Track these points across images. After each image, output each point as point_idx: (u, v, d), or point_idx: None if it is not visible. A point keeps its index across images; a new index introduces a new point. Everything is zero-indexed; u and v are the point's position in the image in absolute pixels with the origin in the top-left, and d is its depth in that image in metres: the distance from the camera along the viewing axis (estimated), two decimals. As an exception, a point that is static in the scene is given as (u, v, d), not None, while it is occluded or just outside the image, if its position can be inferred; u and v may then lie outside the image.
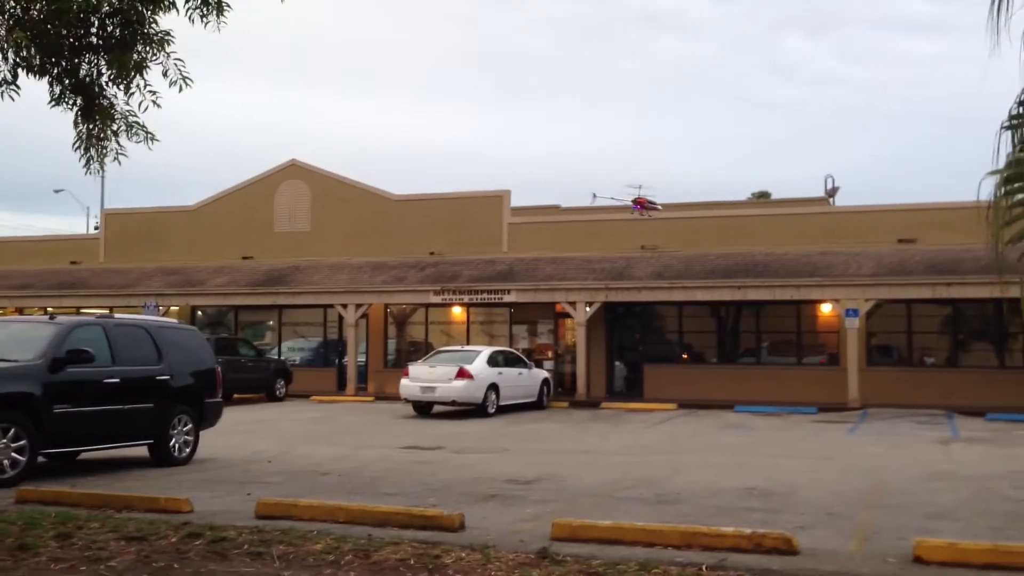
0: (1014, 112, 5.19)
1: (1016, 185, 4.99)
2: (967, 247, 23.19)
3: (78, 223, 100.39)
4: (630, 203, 24.97)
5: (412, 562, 7.14)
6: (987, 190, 5.01)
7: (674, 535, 7.96)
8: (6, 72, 8.50)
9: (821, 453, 15.46)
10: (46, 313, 20.83)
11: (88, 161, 8.89)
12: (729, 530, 7.99)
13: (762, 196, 49.03)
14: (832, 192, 33.22)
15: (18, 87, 8.51)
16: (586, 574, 6.83)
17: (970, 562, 7.28)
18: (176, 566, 7.10)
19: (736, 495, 10.80)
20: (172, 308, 30.88)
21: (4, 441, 11.06)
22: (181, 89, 8.70)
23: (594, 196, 26.83)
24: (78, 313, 27.01)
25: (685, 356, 28.72)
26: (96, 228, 40.50)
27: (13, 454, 11.17)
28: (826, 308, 26.40)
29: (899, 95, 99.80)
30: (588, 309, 26.59)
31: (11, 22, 7.86)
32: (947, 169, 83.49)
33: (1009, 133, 5.18)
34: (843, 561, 7.45)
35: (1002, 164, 5.05)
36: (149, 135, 8.87)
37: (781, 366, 26.99)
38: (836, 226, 27.17)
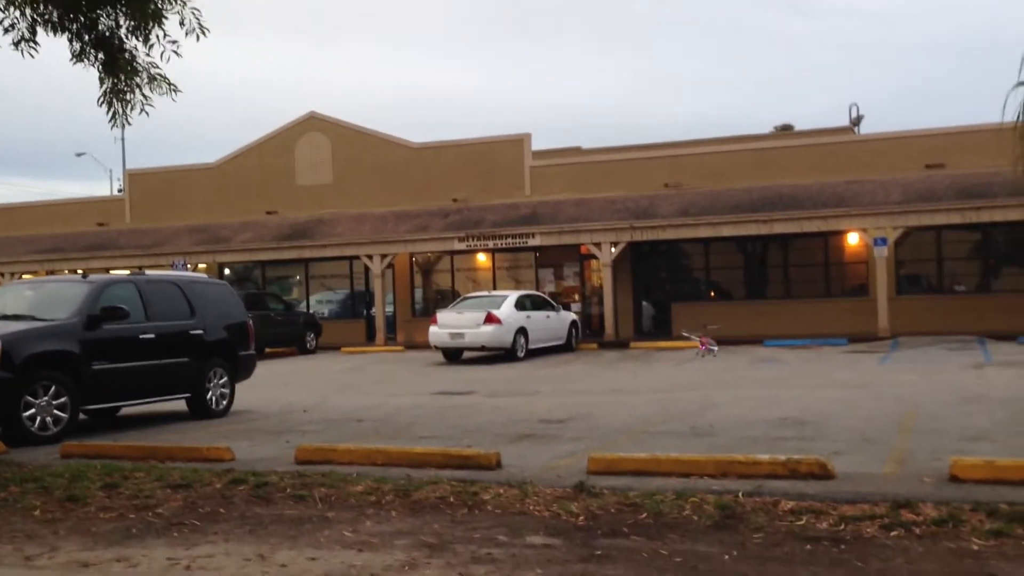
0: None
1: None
2: (996, 170, 22.82)
3: (99, 187, 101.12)
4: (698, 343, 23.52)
5: (452, 499, 7.25)
6: (1013, 108, 4.91)
7: (710, 465, 8.02)
8: (24, 29, 8.49)
9: (854, 382, 15.46)
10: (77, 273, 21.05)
11: (114, 115, 8.90)
12: (764, 457, 8.04)
13: (785, 130, 48.26)
14: (857, 121, 32.71)
15: (37, 44, 8.51)
16: (624, 505, 6.90)
17: (1007, 479, 7.29)
18: (223, 511, 7.25)
19: (770, 425, 10.84)
20: (200, 266, 31.14)
21: (46, 399, 11.25)
22: (199, 38, 8.67)
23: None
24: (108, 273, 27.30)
25: (712, 293, 28.65)
26: (120, 191, 40.70)
27: (55, 411, 11.36)
28: (853, 238, 26.18)
29: (909, 27, 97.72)
30: (613, 250, 26.53)
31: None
32: (967, 98, 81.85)
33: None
34: (879, 483, 7.48)
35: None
36: (172, 86, 8.88)
37: (810, 299, 26.86)
38: (862, 155, 26.80)
